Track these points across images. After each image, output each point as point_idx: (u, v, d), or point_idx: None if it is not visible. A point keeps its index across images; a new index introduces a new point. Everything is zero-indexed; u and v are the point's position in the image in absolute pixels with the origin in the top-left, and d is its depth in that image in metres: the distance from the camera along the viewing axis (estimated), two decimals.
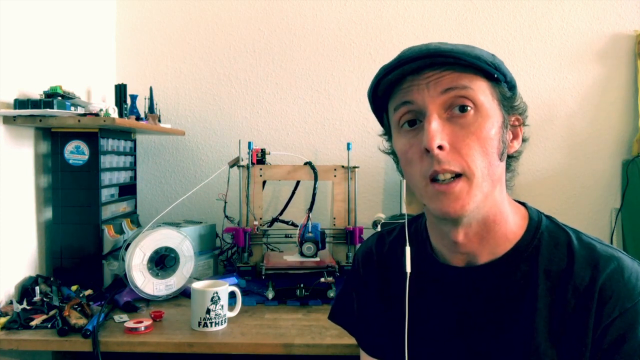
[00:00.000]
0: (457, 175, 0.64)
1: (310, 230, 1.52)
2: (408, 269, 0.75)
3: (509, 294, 0.69)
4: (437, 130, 0.63)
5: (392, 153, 0.77)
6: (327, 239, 1.60)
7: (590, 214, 1.91)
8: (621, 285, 0.64)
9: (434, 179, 0.65)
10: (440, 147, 0.63)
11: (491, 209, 0.69)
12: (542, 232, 0.71)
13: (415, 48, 0.68)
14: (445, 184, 0.64)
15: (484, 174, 0.65)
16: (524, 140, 0.73)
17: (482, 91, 0.66)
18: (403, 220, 0.82)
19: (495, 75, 0.66)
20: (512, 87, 0.70)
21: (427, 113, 0.65)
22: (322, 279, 1.41)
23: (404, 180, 0.73)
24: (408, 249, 0.76)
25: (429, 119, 0.64)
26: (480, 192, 0.65)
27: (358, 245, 1.60)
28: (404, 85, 0.67)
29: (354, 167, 1.66)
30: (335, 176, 1.66)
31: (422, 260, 0.77)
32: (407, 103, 0.67)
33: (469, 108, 0.65)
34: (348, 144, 1.68)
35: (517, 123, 0.72)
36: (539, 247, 0.70)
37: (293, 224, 1.73)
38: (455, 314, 0.72)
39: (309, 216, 1.55)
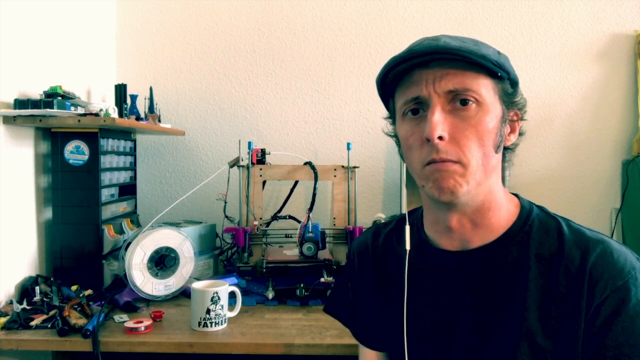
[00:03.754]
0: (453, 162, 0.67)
1: (310, 230, 1.53)
2: (408, 247, 0.77)
3: (501, 278, 0.71)
4: (438, 121, 0.66)
5: (395, 136, 0.79)
6: (327, 239, 1.60)
7: (590, 214, 1.91)
8: (611, 265, 0.66)
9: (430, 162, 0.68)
10: (440, 138, 0.66)
11: (486, 196, 0.71)
12: (533, 219, 0.74)
13: (425, 43, 0.71)
14: (440, 163, 0.67)
15: (478, 163, 0.68)
16: (521, 134, 0.76)
17: (484, 87, 0.68)
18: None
19: (499, 74, 0.69)
20: (514, 83, 0.73)
21: (431, 105, 0.68)
22: (322, 279, 1.41)
23: (404, 182, 0.75)
24: (407, 228, 0.79)
25: (432, 110, 0.67)
26: (473, 179, 0.68)
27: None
28: (412, 77, 0.70)
29: (354, 167, 1.66)
30: (335, 176, 1.66)
31: (417, 247, 0.79)
32: (416, 99, 0.69)
33: (470, 102, 0.68)
34: (348, 144, 1.68)
35: (515, 118, 0.74)
36: (529, 232, 0.72)
37: (291, 217, 1.74)
38: (449, 298, 0.74)
39: (309, 216, 1.55)
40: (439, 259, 0.76)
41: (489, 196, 0.72)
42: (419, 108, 0.70)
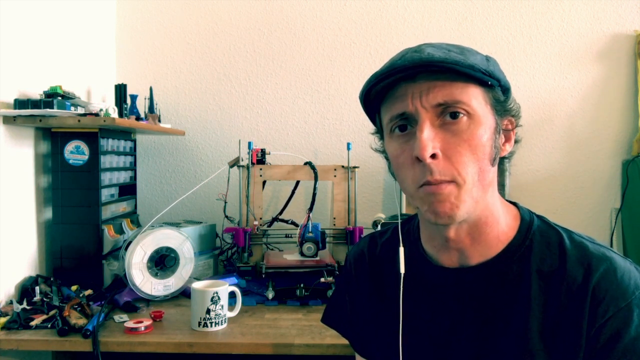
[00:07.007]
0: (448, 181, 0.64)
1: (310, 230, 1.52)
2: (402, 270, 0.74)
3: (502, 295, 0.69)
4: (429, 139, 0.63)
5: (384, 152, 0.76)
6: (327, 239, 1.60)
7: (590, 214, 1.91)
8: (615, 285, 0.64)
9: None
10: (432, 156, 0.63)
11: (483, 211, 0.69)
12: (533, 232, 0.71)
13: (407, 56, 0.66)
14: (434, 185, 0.64)
15: (474, 180, 0.64)
16: (516, 141, 0.73)
17: (475, 97, 0.65)
18: (397, 222, 0.82)
19: (489, 83, 0.65)
20: (506, 90, 0.70)
21: (419, 121, 0.64)
22: (322, 279, 1.41)
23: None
24: (402, 250, 0.76)
25: (421, 127, 0.63)
26: (469, 197, 0.65)
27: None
28: (397, 92, 0.66)
29: (354, 167, 1.66)
30: (335, 176, 1.66)
31: (415, 261, 0.76)
32: (402, 115, 0.66)
33: (461, 114, 0.64)
34: (348, 144, 1.69)
35: (510, 126, 0.71)
36: (531, 247, 0.70)
37: (293, 223, 1.74)
38: (448, 315, 0.72)
39: (309, 216, 1.55)
40: (437, 276, 0.73)
41: (485, 211, 0.69)
42: (407, 124, 0.66)
